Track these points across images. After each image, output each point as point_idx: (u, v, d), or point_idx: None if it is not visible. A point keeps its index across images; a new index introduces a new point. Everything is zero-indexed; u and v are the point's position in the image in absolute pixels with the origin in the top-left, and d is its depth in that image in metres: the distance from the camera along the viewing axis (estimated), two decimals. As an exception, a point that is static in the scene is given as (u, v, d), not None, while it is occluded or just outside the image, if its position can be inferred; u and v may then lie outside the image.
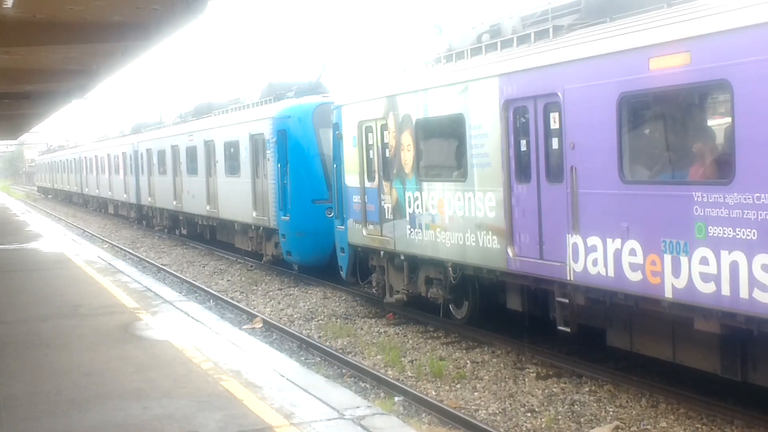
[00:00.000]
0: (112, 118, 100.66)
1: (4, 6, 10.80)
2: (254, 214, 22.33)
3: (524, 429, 9.63)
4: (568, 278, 10.55)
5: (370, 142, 15.32)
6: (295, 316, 16.62)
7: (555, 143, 10.75)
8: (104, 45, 14.08)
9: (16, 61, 16.14)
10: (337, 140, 16.69)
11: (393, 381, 11.39)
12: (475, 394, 10.94)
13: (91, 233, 36.35)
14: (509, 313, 12.90)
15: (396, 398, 10.73)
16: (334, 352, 13.21)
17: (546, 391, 10.81)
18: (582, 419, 9.74)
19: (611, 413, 9.89)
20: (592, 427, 9.49)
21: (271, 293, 19.31)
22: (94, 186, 48.84)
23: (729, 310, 8.48)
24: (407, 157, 13.96)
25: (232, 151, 24.18)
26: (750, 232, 8.14)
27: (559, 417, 9.84)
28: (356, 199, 15.88)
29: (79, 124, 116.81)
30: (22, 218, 34.71)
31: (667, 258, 9.06)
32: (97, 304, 13.03)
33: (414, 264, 14.52)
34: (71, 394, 8.00)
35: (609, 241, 9.84)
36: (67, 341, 10.39)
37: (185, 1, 10.97)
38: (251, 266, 23.55)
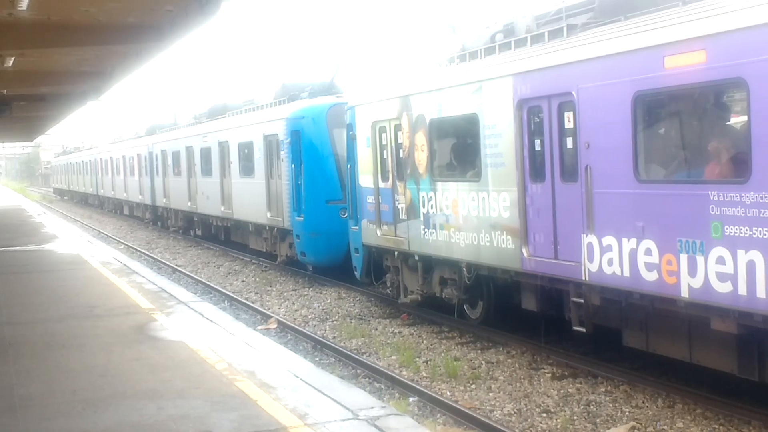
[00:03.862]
0: (126, 119, 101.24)
1: (19, 8, 10.86)
2: (268, 214, 22.36)
3: (539, 429, 9.59)
4: (583, 278, 10.50)
5: (384, 143, 15.31)
6: (310, 316, 16.63)
7: (569, 143, 10.71)
8: (118, 47, 14.16)
9: (31, 63, 16.26)
10: (351, 141, 16.69)
11: (407, 381, 11.38)
12: (490, 394, 10.91)
13: (107, 234, 36.52)
14: (524, 314, 12.86)
15: (410, 399, 10.71)
16: (348, 352, 13.21)
17: (561, 391, 10.76)
18: (598, 420, 9.69)
19: (627, 413, 9.84)
20: (608, 428, 9.44)
21: (285, 294, 19.33)
22: (109, 187, 49.07)
23: (746, 309, 8.42)
24: (421, 158, 13.94)
25: (246, 152, 24.23)
26: (767, 231, 8.07)
27: (575, 417, 9.79)
28: (370, 199, 15.87)
29: (95, 125, 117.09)
30: (39, 220, 34.87)
31: (683, 257, 9.00)
32: (112, 304, 13.07)
33: (428, 264, 14.50)
34: (87, 394, 8.02)
35: (624, 240, 9.78)
36: (83, 342, 10.42)
37: (199, 2, 11.01)
38: (266, 267, 23.59)
